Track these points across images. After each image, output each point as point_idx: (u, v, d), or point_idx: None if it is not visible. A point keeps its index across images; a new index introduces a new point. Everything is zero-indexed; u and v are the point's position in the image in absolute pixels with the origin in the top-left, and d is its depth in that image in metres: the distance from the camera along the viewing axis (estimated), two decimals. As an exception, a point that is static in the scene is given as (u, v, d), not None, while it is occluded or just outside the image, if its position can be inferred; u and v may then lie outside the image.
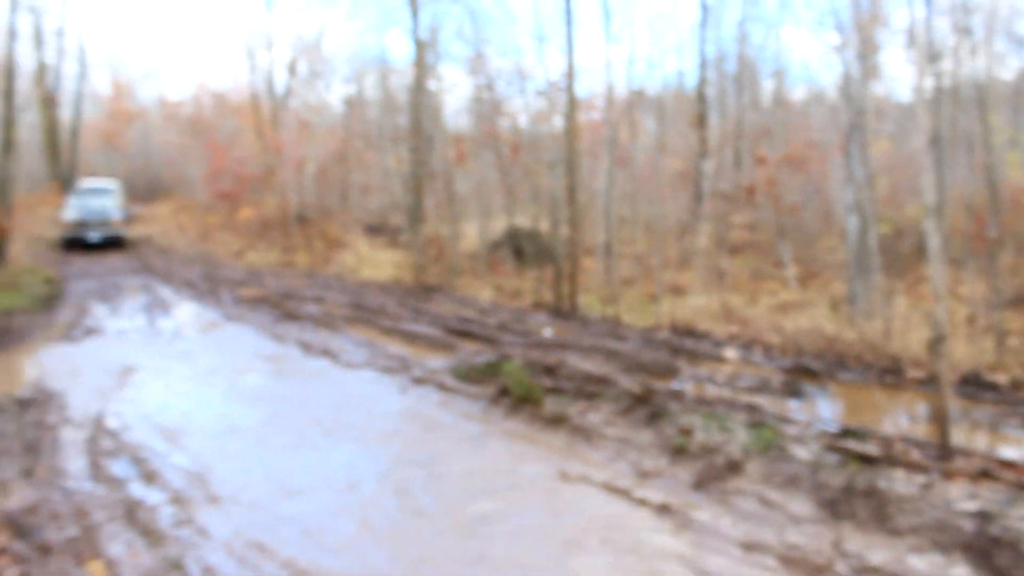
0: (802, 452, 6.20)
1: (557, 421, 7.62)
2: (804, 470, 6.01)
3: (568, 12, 13.42)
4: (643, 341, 10.60)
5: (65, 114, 35.21)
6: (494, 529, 5.53)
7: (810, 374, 9.34)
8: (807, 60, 31.06)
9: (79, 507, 5.79)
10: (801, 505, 5.71)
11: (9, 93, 18.67)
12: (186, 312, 14.34)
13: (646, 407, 7.44)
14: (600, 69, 32.68)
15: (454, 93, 24.70)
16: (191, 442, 7.38)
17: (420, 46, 17.79)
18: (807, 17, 27.43)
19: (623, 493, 6.11)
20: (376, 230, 19.34)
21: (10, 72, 18.83)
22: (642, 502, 5.92)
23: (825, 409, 8.20)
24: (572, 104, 13.36)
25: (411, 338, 11.42)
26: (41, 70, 32.28)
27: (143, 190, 37.24)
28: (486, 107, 16.81)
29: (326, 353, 10.63)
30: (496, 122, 16.42)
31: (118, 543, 5.25)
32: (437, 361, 9.93)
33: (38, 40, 32.11)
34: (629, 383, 7.90)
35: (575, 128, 13.24)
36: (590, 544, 5.29)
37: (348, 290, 15.46)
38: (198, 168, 30.42)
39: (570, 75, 13.38)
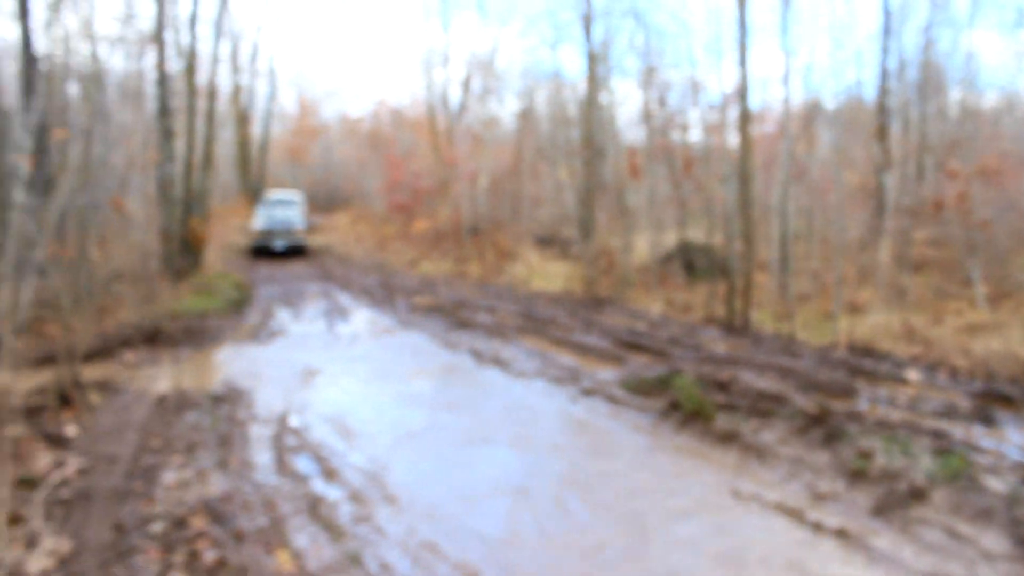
0: (996, 483, 5.85)
1: (729, 438, 7.48)
2: (998, 503, 5.66)
3: (743, 23, 13.19)
4: (819, 359, 10.23)
5: (256, 131, 37.47)
6: (663, 541, 5.49)
7: (1004, 400, 8.76)
8: (999, 64, 29.18)
9: (268, 499, 6.14)
10: (995, 541, 5.38)
11: (211, 113, 20.07)
12: (363, 318, 14.92)
13: (822, 427, 7.21)
14: (775, 80, 31.86)
15: (626, 106, 24.69)
16: (367, 443, 7.67)
17: (592, 60, 17.92)
18: (1002, 17, 25.75)
19: (796, 514, 5.93)
20: (547, 242, 19.52)
21: (212, 94, 20.24)
22: (817, 525, 5.74)
23: (1022, 439, 7.68)
24: (746, 116, 13.10)
25: (582, 349, 11.47)
26: (236, 91, 34.54)
27: (323, 201, 39.15)
28: (659, 120, 16.72)
29: (497, 362, 10.83)
30: (668, 135, 16.31)
31: (303, 535, 5.54)
32: (607, 373, 9.94)
33: (235, 64, 34.40)
34: (805, 402, 7.67)
35: (749, 141, 12.96)
36: (755, 562, 5.17)
37: (519, 300, 15.69)
38: (375, 181, 31.63)
39: (744, 87, 13.13)
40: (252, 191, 35.49)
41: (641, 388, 8.95)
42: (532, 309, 14.52)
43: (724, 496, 6.32)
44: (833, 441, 6.97)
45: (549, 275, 17.43)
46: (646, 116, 17.37)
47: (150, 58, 17.62)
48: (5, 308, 7.49)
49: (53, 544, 5.33)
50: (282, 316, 15.14)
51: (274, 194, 29.10)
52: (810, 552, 5.32)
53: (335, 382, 10.09)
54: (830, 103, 18.83)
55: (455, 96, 28.36)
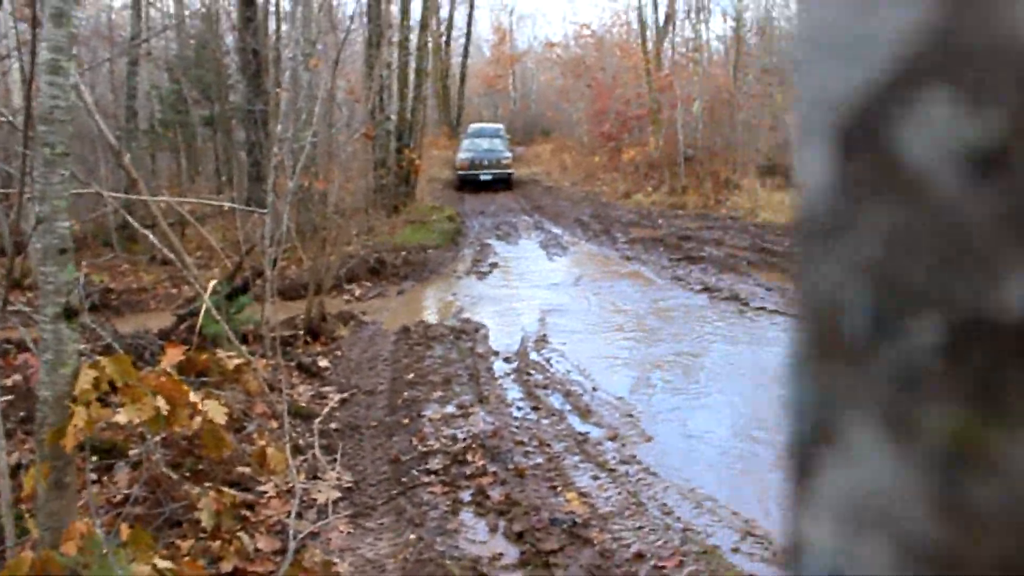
0: None
1: None
2: None
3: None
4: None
5: (454, 60, 37.67)
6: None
7: None
8: None
9: (536, 436, 6.02)
10: None
11: (423, 42, 20.18)
12: (581, 251, 14.70)
13: None
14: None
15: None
16: (611, 381, 7.46)
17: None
18: None
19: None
20: (768, 170, 18.52)
21: (425, 23, 20.33)
22: None
23: None
24: None
25: (828, 284, 10.70)
26: (434, 19, 34.70)
27: (521, 132, 38.90)
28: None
29: (734, 298, 10.27)
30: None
31: (581, 474, 5.37)
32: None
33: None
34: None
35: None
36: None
37: (747, 233, 14.96)
38: (577, 109, 31.10)
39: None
40: (451, 123, 35.87)
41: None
42: (763, 242, 13.75)
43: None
44: None
45: (776, 206, 16.52)
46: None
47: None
48: (265, 240, 7.66)
49: (335, 475, 5.40)
50: (499, 248, 15.12)
51: (477, 126, 29.18)
52: None
53: (564, 316, 9.93)
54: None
55: (661, 16, 27.10)
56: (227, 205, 10.25)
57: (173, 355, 4.37)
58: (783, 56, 19.69)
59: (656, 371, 7.75)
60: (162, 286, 11.40)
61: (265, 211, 7.76)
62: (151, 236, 6.51)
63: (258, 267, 8.47)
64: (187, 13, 19.51)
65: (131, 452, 5.51)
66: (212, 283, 6.22)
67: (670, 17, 26.26)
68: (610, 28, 33.87)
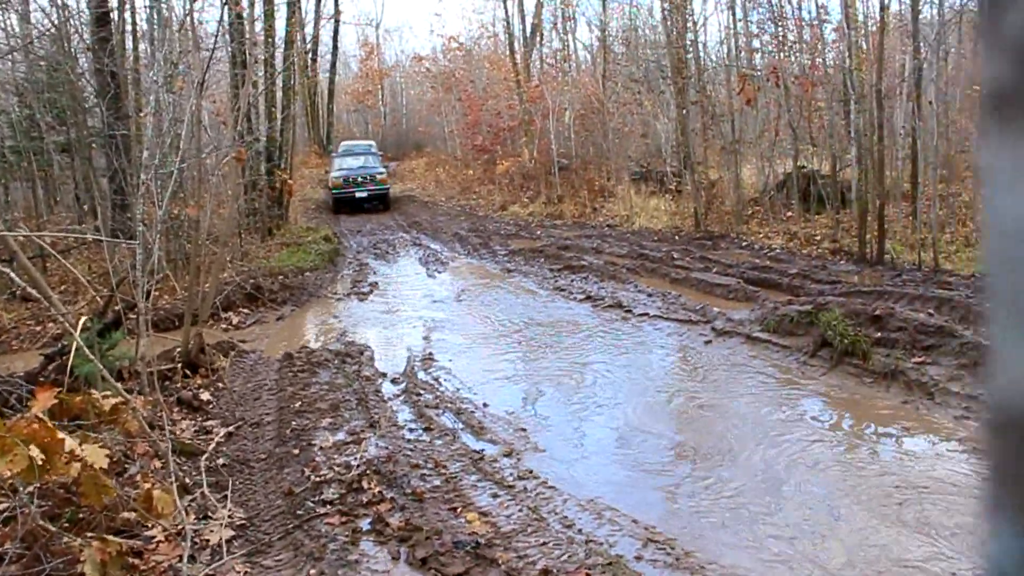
0: None
1: (889, 376, 7.08)
2: None
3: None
4: (975, 289, 9.55)
5: (322, 77, 37.10)
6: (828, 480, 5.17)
7: None
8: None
9: (431, 457, 5.94)
10: None
11: (290, 63, 19.79)
12: (461, 266, 14.67)
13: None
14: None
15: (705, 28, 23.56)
16: (499, 396, 7.47)
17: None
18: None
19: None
20: (641, 177, 18.93)
21: (291, 40, 19.93)
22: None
23: None
24: (883, 24, 12.26)
25: (706, 288, 10.97)
26: (302, 37, 34.13)
27: (393, 147, 38.51)
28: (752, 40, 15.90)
29: (617, 305, 10.42)
30: (778, 57, 15.43)
31: (480, 493, 5.33)
32: (740, 312, 9.47)
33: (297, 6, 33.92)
34: (974, 334, 7.21)
35: (882, 51, 12.13)
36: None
37: (625, 240, 15.17)
38: (449, 122, 31.01)
39: None
40: (321, 141, 35.32)
41: (781, 326, 8.49)
42: (641, 248, 13.98)
43: (901, 432, 6.00)
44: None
45: (650, 212, 16.87)
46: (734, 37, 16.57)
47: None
48: (136, 271, 7.34)
49: (226, 513, 5.19)
50: (378, 268, 14.97)
51: (349, 143, 28.78)
52: None
53: (448, 332, 9.91)
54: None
55: (527, 26, 27.30)
56: (91, 236, 9.79)
57: (45, 399, 4.13)
58: (648, 64, 20.19)
59: (545, 383, 7.79)
60: (24, 324, 10.77)
61: (134, 242, 7.43)
62: (10, 272, 6.16)
63: (130, 300, 8.11)
64: (35, 33, 18.51)
65: (2, 507, 5.17)
66: (83, 319, 5.89)
67: (537, 28, 26.66)
68: (478, 41, 34.04)
